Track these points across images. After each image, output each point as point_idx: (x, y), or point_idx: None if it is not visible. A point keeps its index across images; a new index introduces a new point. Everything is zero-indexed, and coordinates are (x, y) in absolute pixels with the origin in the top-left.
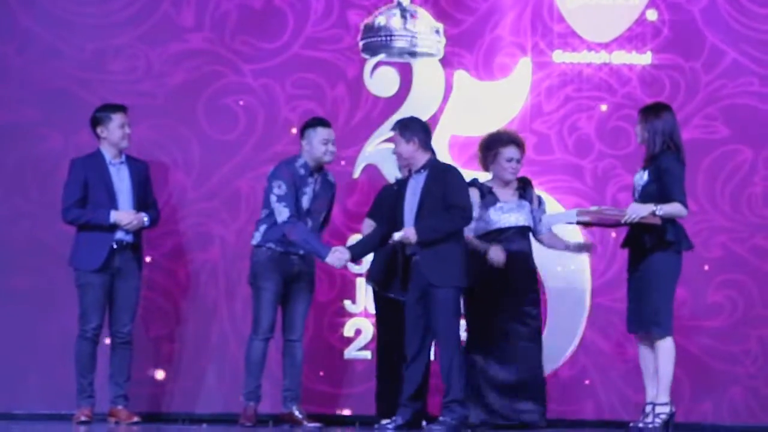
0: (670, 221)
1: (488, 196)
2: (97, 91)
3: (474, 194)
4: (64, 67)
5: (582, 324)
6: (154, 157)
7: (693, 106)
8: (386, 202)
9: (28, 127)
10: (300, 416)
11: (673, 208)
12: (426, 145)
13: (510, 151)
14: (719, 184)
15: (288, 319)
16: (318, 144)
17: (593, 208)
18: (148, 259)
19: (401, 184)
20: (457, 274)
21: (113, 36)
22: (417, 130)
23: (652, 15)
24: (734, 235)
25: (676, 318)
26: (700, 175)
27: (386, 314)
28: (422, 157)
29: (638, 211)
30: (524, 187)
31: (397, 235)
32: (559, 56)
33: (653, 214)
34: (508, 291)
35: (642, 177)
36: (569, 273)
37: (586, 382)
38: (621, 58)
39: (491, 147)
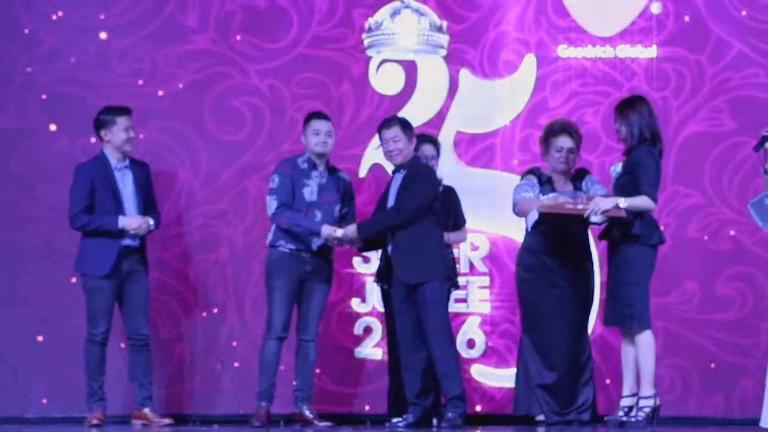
0: (638, 214)
1: (546, 184)
2: (102, 93)
3: (532, 182)
4: (69, 70)
5: (592, 319)
6: (161, 159)
7: (699, 99)
8: None
9: (34, 131)
10: (311, 416)
11: (638, 201)
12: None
13: (560, 141)
14: (726, 177)
15: (302, 318)
16: (310, 135)
17: (560, 200)
18: (156, 260)
19: (389, 183)
20: (434, 266)
21: (118, 38)
22: (414, 131)
23: (656, 8)
24: (742, 227)
25: (686, 312)
26: (707, 168)
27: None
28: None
29: (600, 204)
30: (580, 178)
31: (339, 232)
32: (564, 51)
33: (617, 207)
34: (563, 279)
35: (615, 170)
36: None
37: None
38: (626, 51)
39: (546, 137)
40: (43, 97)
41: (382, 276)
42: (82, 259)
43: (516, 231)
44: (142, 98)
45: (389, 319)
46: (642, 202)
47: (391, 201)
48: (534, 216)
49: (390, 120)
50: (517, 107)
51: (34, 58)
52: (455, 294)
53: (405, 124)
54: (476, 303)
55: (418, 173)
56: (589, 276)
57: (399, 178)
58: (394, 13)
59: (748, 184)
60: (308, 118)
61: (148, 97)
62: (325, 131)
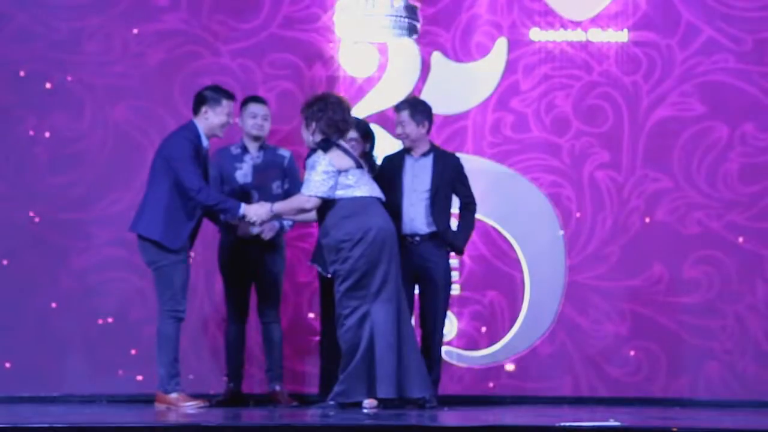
0: None
1: None
2: (73, 72)
3: None
4: (40, 49)
5: (559, 301)
6: (130, 138)
7: (669, 84)
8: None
9: (3, 110)
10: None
11: None
12: (430, 130)
13: None
14: (695, 161)
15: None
16: (247, 118)
17: None
18: (125, 240)
19: (393, 162)
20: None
21: (89, 16)
22: (428, 115)
23: None
24: (710, 211)
25: (654, 295)
26: (676, 152)
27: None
28: (427, 142)
29: None
30: None
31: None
32: (537, 34)
33: None
34: None
35: None
36: (546, 250)
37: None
38: (598, 35)
39: None
40: (13, 75)
41: (317, 258)
42: (163, 232)
43: (484, 212)
44: (112, 77)
45: (325, 300)
46: None
47: (416, 186)
48: None
49: (400, 103)
50: (488, 90)
51: (5, 37)
52: None
53: (416, 108)
54: None
55: (459, 163)
56: None
57: (426, 164)
58: None
59: (716, 169)
60: (245, 102)
61: (118, 76)
62: (262, 115)
